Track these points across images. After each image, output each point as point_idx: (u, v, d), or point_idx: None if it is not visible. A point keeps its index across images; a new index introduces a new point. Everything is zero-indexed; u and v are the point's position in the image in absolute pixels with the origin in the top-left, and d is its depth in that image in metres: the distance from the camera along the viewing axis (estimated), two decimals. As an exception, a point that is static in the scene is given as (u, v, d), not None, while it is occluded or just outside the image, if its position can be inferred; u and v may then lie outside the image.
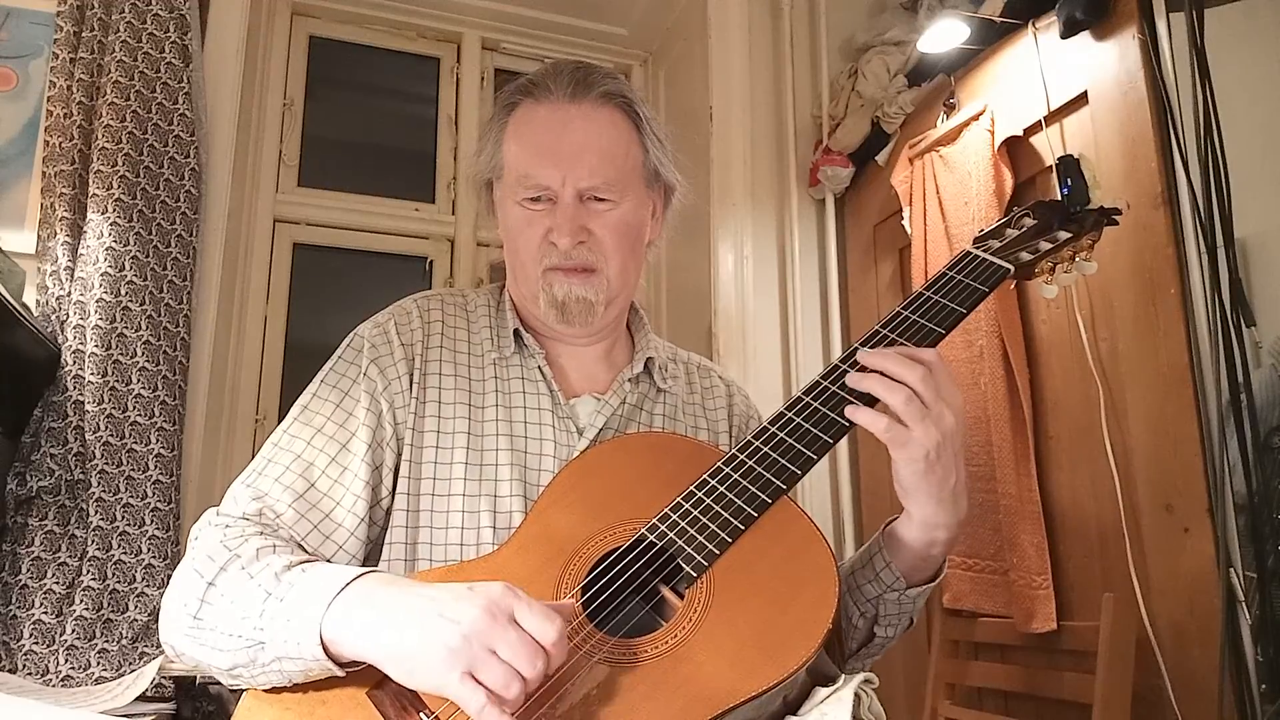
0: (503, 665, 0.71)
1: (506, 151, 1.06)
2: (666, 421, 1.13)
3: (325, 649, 0.76)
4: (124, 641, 1.69)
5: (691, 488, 0.91)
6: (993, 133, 1.81)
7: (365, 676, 0.79)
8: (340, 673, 0.78)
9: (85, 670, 1.65)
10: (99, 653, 1.67)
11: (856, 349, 0.97)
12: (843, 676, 0.82)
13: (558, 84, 1.04)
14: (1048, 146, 1.73)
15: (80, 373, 1.77)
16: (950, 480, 0.90)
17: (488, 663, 0.71)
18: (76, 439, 1.75)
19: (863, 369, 0.92)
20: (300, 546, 0.91)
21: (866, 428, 0.89)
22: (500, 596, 0.74)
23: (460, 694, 0.71)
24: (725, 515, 0.87)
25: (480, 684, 0.71)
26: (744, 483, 0.89)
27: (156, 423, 1.82)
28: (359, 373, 1.02)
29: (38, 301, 1.86)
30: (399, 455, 1.00)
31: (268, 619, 0.79)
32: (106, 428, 1.76)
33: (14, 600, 1.67)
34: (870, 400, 0.91)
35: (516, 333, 1.09)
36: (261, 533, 0.88)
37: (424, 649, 0.73)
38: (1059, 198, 1.11)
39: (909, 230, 2.01)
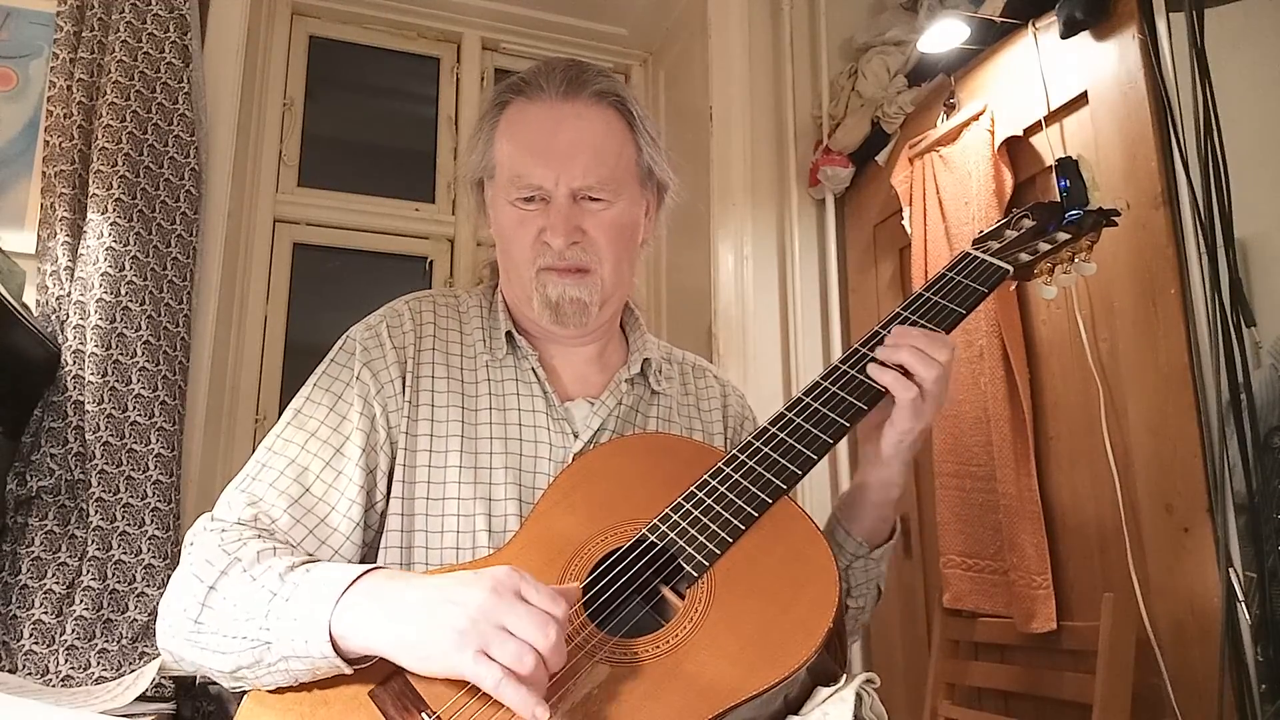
0: (514, 640, 0.72)
1: (498, 150, 1.06)
2: (661, 424, 1.12)
3: (334, 645, 0.76)
4: (124, 641, 1.69)
5: (692, 488, 0.91)
6: (993, 133, 1.81)
7: (367, 676, 0.79)
8: (348, 670, 0.78)
9: (85, 670, 1.65)
10: (99, 653, 1.67)
11: (857, 350, 0.97)
12: (844, 676, 0.82)
13: (550, 82, 1.03)
14: (1048, 146, 1.73)
15: (80, 373, 1.77)
16: (918, 446, 0.99)
17: (499, 638, 0.72)
18: (76, 439, 1.75)
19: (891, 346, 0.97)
20: (297, 551, 0.91)
21: (894, 391, 0.93)
22: (506, 576, 0.76)
23: (476, 672, 0.71)
24: (726, 515, 0.87)
25: (494, 660, 0.71)
26: (744, 483, 0.89)
27: (156, 423, 1.82)
28: (352, 376, 1.02)
29: (38, 301, 1.85)
30: (393, 458, 1.00)
31: (274, 619, 0.79)
32: (106, 428, 1.76)
33: (14, 600, 1.67)
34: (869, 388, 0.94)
35: (509, 334, 1.08)
36: (259, 536, 0.88)
37: (434, 634, 0.73)
38: (1058, 199, 1.11)
39: (909, 230, 2.01)
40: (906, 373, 0.94)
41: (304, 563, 0.84)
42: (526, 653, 0.71)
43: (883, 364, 0.95)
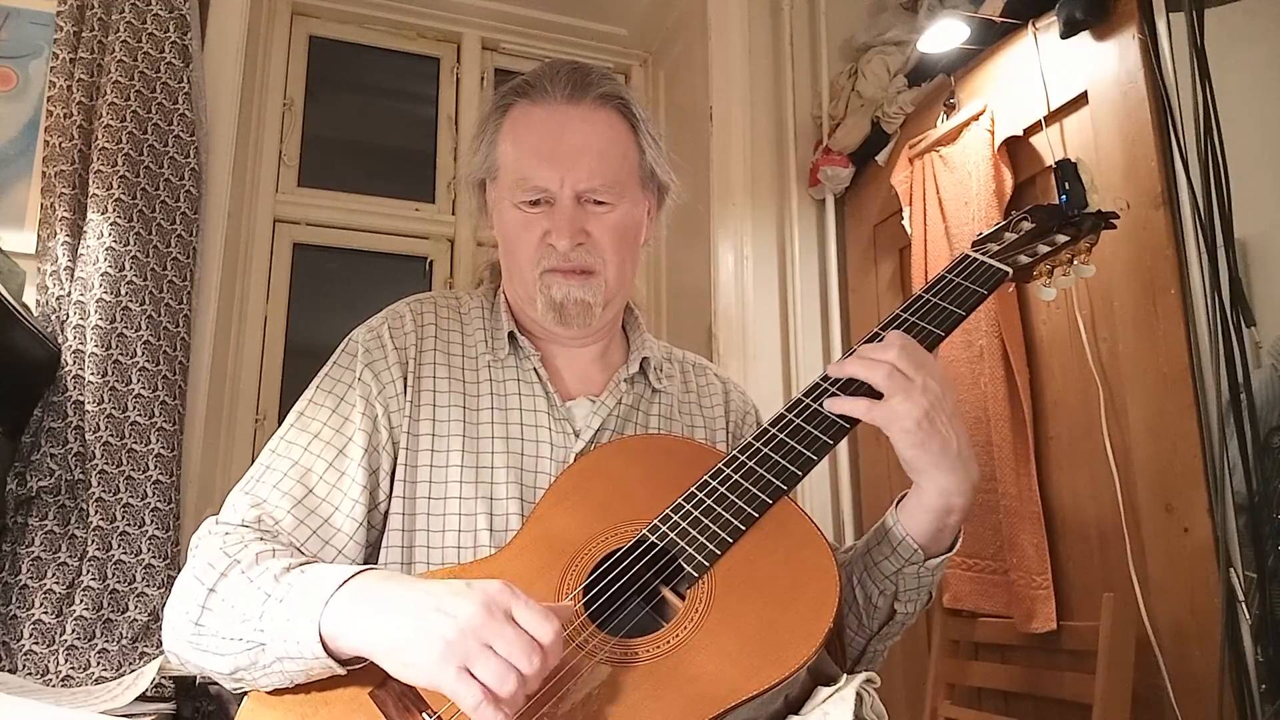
0: (499, 660, 0.71)
1: (502, 153, 1.06)
2: (662, 422, 1.12)
3: (325, 645, 0.76)
4: (124, 641, 1.69)
5: (692, 489, 0.91)
6: (993, 133, 1.81)
7: (367, 677, 0.79)
8: (341, 670, 0.78)
9: (85, 670, 1.65)
10: (99, 653, 1.67)
11: (856, 351, 0.97)
12: (844, 676, 0.82)
13: (554, 85, 1.04)
14: (1048, 146, 1.73)
15: (80, 373, 1.77)
16: (951, 445, 0.91)
17: (484, 657, 0.71)
18: (76, 439, 1.75)
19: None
20: (299, 552, 0.91)
21: (847, 412, 0.91)
22: (498, 594, 0.74)
23: (455, 688, 0.71)
24: (726, 516, 0.87)
25: (475, 679, 0.70)
26: (745, 483, 0.90)
27: (156, 423, 1.82)
28: (354, 377, 1.02)
29: (38, 301, 1.85)
30: (395, 459, 1.00)
31: (268, 620, 0.79)
32: (106, 428, 1.76)
33: (14, 600, 1.67)
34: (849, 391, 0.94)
35: (511, 334, 1.09)
36: (261, 538, 0.88)
37: (420, 642, 0.73)
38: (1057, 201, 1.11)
39: (909, 230, 2.01)
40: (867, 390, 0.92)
41: (301, 564, 0.84)
42: (509, 675, 0.70)
43: (838, 394, 0.93)
